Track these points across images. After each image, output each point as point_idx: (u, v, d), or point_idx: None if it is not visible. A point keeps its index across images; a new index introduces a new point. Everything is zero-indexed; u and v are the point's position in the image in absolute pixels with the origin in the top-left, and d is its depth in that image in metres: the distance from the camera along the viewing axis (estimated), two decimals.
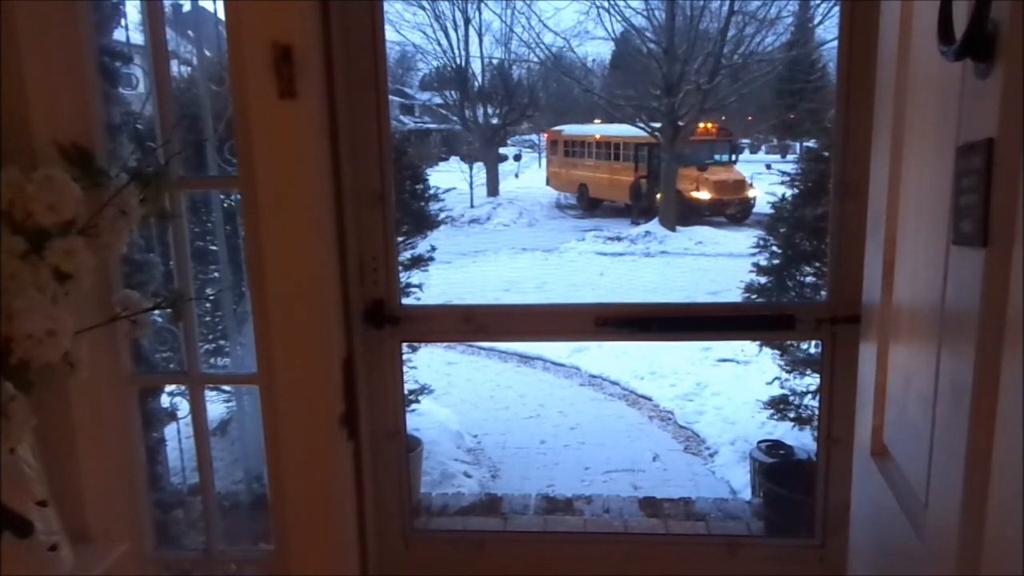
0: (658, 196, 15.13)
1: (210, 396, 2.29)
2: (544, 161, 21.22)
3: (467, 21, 17.57)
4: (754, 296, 4.47)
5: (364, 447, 1.75)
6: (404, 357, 2.00)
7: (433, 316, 1.88)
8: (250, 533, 2.08)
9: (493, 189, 18.83)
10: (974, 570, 0.90)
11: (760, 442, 4.23)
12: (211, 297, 2.42)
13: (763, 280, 4.46)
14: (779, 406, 4.42)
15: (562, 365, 7.28)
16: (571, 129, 18.79)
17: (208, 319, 2.90)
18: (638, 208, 15.47)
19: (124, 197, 1.28)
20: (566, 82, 19.09)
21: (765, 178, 13.40)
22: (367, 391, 1.77)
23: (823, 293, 2.15)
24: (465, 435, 5.63)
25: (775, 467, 3.86)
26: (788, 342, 4.21)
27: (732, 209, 15.17)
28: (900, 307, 1.28)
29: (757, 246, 4.73)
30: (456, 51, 17.91)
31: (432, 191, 5.19)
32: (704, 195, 15.17)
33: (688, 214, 14.68)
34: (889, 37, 1.33)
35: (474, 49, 18.30)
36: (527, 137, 24.35)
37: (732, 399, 6.06)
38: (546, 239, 14.23)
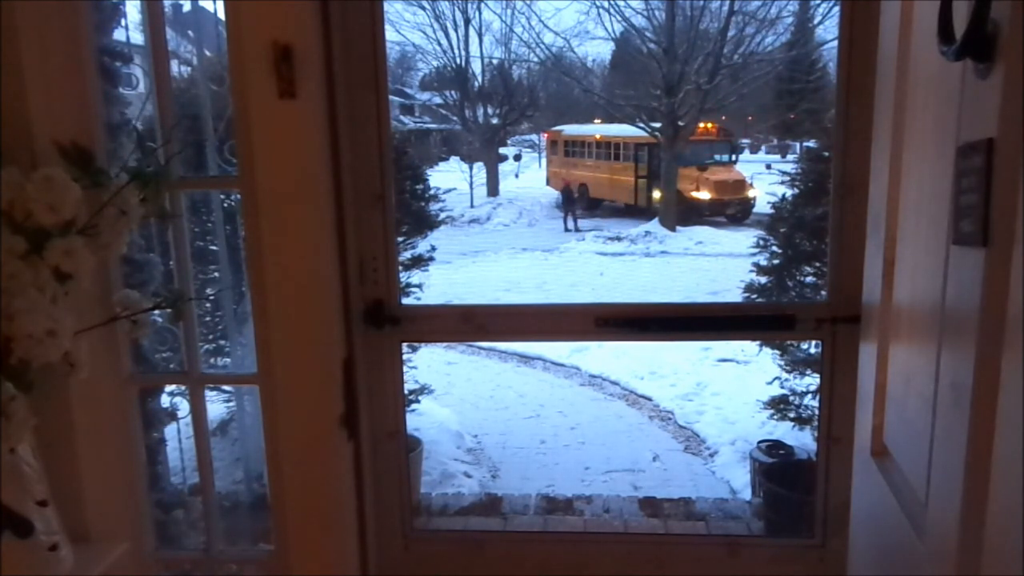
0: (657, 195, 15.14)
1: (210, 396, 2.28)
2: (544, 161, 21.22)
3: (467, 21, 17.59)
4: (754, 296, 4.47)
5: (364, 447, 1.75)
6: (404, 357, 2.00)
7: (433, 316, 1.88)
8: (250, 533, 2.08)
9: (493, 189, 18.83)
10: (974, 570, 0.90)
11: (760, 442, 4.23)
12: (211, 297, 2.42)
13: (763, 280, 4.46)
14: (779, 406, 4.42)
15: (562, 365, 7.29)
16: (571, 129, 18.80)
17: (208, 319, 2.89)
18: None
19: (124, 197, 1.28)
20: (566, 82, 19.11)
21: (765, 178, 13.41)
22: (367, 391, 1.77)
23: (823, 293, 2.15)
24: (465, 435, 5.63)
25: (775, 467, 3.86)
26: (788, 342, 4.21)
27: (732, 209, 15.18)
28: (900, 307, 1.28)
29: (757, 246, 4.73)
30: (456, 51, 17.94)
31: (432, 191, 5.19)
32: (704, 195, 15.18)
33: (688, 214, 14.69)
34: (889, 37, 1.33)
35: (474, 49, 18.35)
36: (527, 137, 24.35)
37: (732, 399, 6.06)
38: (546, 239, 14.23)
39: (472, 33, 17.90)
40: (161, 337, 1.77)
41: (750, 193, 15.22)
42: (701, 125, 15.03)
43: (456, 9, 17.31)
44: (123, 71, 1.76)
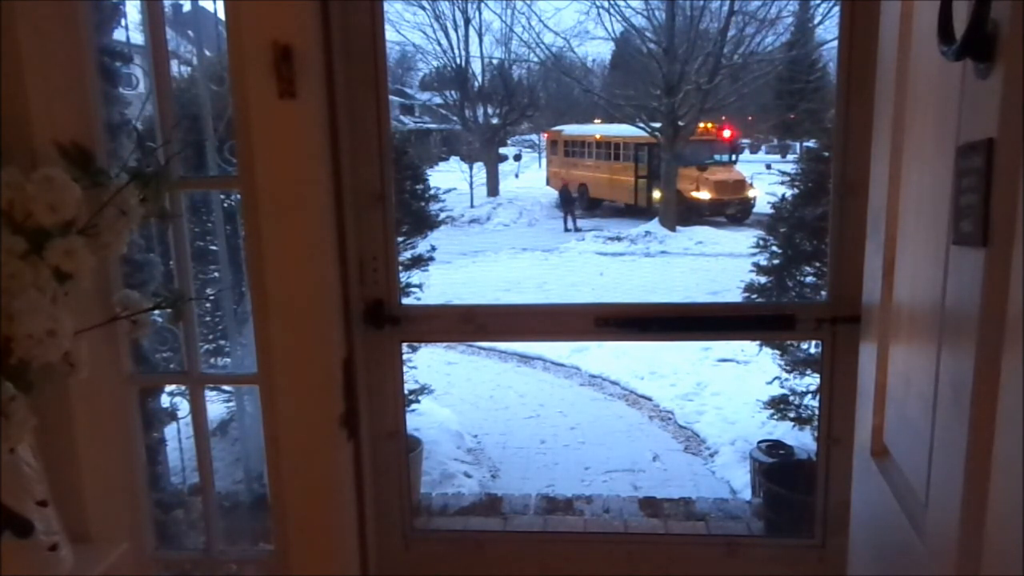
0: (657, 195, 15.14)
1: (210, 396, 2.28)
2: (544, 161, 21.22)
3: (467, 21, 17.59)
4: (754, 296, 4.47)
5: (364, 447, 1.75)
6: (404, 357, 2.00)
7: (433, 316, 1.88)
8: (250, 533, 2.08)
9: (493, 189, 18.83)
10: (974, 570, 0.90)
11: (760, 442, 4.23)
12: (211, 297, 2.42)
13: (763, 280, 4.46)
14: (779, 406, 4.42)
15: (562, 365, 7.28)
16: (571, 129, 18.79)
17: (208, 319, 2.89)
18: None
19: (124, 197, 1.28)
20: (566, 82, 19.11)
21: (765, 178, 13.41)
22: (367, 391, 1.77)
23: (823, 293, 2.15)
24: (465, 435, 5.63)
25: (775, 467, 3.86)
26: (788, 342, 4.21)
27: (732, 209, 15.18)
28: (900, 307, 1.28)
29: (757, 246, 4.73)
30: (456, 51, 17.94)
31: (432, 191, 5.19)
32: (704, 195, 15.18)
33: (688, 214, 14.69)
34: (889, 37, 1.33)
35: (474, 49, 18.35)
36: (527, 137, 24.33)
37: (732, 399, 6.06)
38: (546, 239, 14.23)
39: (472, 33, 17.92)
40: (161, 337, 1.77)
41: (750, 193, 15.22)
42: (701, 125, 15.03)
43: (456, 9, 17.32)
44: (123, 71, 1.76)
